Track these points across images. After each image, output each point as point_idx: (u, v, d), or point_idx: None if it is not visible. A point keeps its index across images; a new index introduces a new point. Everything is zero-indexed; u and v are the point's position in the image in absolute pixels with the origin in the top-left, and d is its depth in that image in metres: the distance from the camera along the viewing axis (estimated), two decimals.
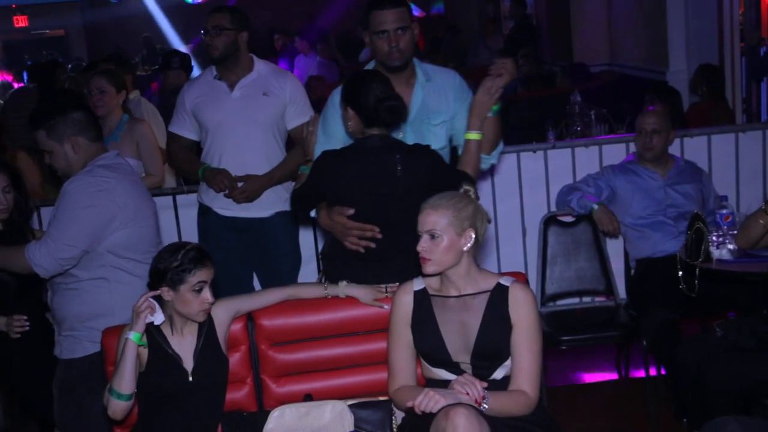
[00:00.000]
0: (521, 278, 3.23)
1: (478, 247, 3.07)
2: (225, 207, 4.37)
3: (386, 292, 3.36)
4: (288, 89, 4.34)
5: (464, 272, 3.05)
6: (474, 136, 3.61)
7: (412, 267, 3.16)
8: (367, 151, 3.46)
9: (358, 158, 3.47)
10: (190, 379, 3.14)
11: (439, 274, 3.07)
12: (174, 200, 5.06)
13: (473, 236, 2.99)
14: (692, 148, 5.20)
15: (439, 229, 2.96)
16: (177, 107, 4.49)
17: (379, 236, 3.46)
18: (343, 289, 3.39)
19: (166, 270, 3.08)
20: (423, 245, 3.00)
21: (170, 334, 3.17)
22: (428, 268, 3.02)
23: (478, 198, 3.09)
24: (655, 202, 4.67)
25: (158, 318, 3.07)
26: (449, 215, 2.96)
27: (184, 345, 3.17)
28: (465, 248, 2.99)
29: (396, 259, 3.47)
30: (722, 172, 5.21)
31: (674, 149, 4.96)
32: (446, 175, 3.49)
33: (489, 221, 3.09)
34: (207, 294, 3.09)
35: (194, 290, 3.07)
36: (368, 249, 3.48)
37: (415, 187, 3.37)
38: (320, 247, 4.79)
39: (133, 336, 3.02)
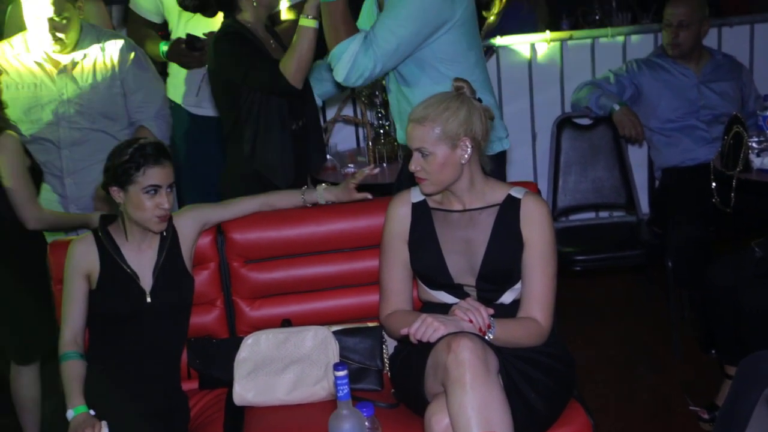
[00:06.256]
0: (532, 189, 3.16)
1: (483, 152, 2.99)
2: (197, 105, 4.32)
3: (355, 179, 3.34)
4: None
5: (468, 185, 2.98)
6: (307, 22, 3.44)
7: None
8: None
9: None
10: (149, 300, 3.07)
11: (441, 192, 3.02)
12: None
13: (470, 145, 2.89)
14: (731, 39, 5.18)
15: (429, 146, 2.89)
16: None
17: None
18: (321, 192, 3.35)
19: (114, 166, 3.00)
20: (416, 164, 2.94)
21: (126, 247, 3.09)
22: (426, 188, 2.98)
23: (473, 93, 2.96)
24: (687, 102, 4.62)
25: None
26: (437, 128, 2.87)
27: (142, 261, 3.10)
28: (463, 161, 2.92)
29: None
30: (766, 68, 5.15)
31: (710, 41, 4.90)
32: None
33: (492, 118, 3.00)
34: (162, 198, 3.01)
35: (145, 192, 2.99)
36: None
37: None
38: None
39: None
